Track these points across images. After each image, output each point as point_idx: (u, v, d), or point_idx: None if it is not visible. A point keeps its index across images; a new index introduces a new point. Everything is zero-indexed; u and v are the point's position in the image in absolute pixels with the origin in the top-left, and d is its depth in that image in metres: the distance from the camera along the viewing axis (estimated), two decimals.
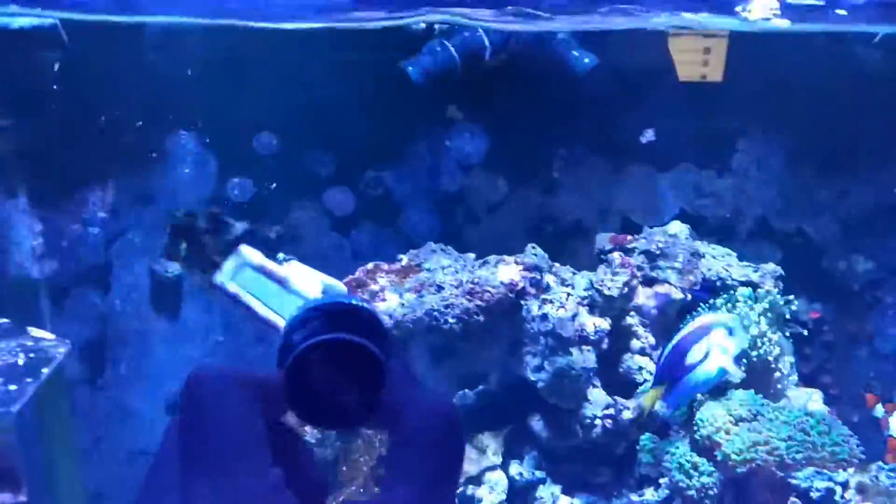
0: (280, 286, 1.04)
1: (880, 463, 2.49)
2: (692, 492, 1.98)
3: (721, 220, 2.85)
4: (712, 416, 1.98)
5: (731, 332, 1.92)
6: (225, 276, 1.04)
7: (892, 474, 2.45)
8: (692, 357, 1.92)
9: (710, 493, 1.98)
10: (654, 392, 2.02)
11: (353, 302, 0.82)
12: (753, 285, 2.40)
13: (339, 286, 1.10)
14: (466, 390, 2.39)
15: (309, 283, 1.05)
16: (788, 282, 2.58)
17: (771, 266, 2.48)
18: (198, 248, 1.06)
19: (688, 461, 2.00)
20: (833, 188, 2.82)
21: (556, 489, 2.30)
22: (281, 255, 1.11)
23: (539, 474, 2.31)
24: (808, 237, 2.85)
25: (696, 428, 2.02)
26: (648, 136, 2.77)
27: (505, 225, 2.87)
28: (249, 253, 1.07)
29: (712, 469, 1.99)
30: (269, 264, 1.07)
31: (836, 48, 2.67)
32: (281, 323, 0.92)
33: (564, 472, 2.32)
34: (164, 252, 1.10)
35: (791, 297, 2.39)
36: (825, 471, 1.99)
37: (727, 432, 1.95)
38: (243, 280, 1.04)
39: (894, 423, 2.16)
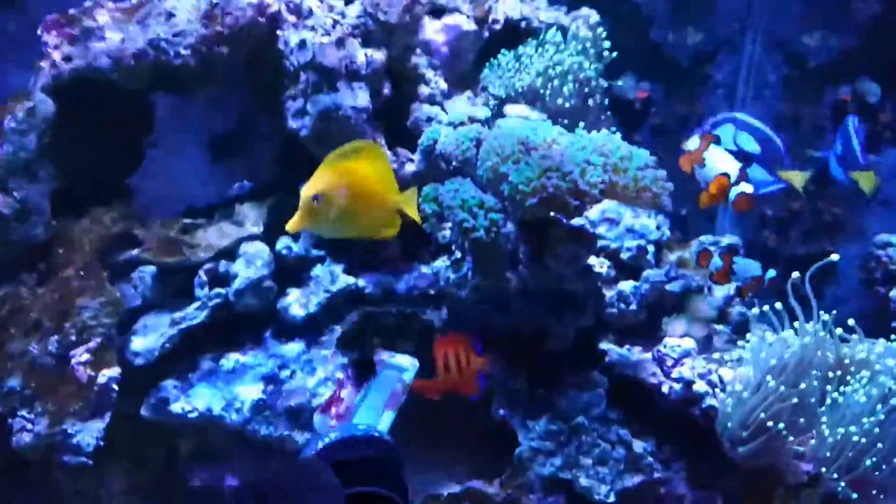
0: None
1: (702, 238, 2.23)
2: (480, 232, 1.59)
3: None
4: (499, 145, 1.59)
5: None
6: None
7: (712, 248, 2.20)
8: None
9: (503, 231, 1.61)
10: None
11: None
12: (564, 29, 2.01)
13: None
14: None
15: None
16: (615, 60, 2.24)
17: (587, 11, 2.09)
18: None
19: (472, 197, 1.60)
20: None
21: (337, 268, 1.88)
22: None
23: (316, 252, 1.89)
24: (636, 6, 2.49)
25: (479, 162, 1.62)
26: None
27: None
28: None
29: (501, 205, 1.61)
30: None
31: None
32: None
33: (345, 246, 1.91)
34: None
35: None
36: (628, 206, 1.65)
37: (515, 161, 1.57)
38: None
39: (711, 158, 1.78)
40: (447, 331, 1.79)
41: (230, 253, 1.78)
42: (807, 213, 2.59)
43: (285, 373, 1.80)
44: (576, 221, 1.75)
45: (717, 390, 1.78)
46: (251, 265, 1.75)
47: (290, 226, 1.34)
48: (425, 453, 1.97)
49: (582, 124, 1.68)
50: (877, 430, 1.54)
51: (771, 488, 1.79)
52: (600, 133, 1.65)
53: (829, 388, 1.62)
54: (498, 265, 1.66)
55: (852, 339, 1.72)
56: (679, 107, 2.57)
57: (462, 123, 1.71)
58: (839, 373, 1.65)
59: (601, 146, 1.60)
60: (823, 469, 1.64)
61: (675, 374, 1.80)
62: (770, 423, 1.61)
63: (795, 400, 1.61)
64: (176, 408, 1.74)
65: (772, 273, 1.77)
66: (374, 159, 1.40)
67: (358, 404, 1.25)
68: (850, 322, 1.73)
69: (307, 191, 1.34)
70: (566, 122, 1.85)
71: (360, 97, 1.70)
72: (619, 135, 1.67)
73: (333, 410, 1.45)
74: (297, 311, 1.82)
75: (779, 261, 2.52)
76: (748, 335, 1.79)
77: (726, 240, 2.19)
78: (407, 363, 1.41)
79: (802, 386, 1.61)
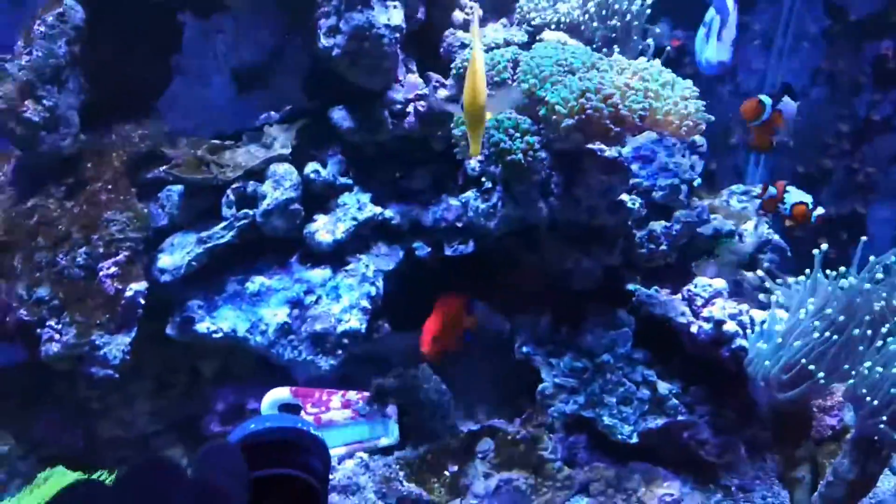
0: None
1: (732, 188, 2.17)
2: (517, 155, 1.53)
3: None
4: (537, 66, 1.52)
5: None
6: None
7: (743, 198, 2.14)
8: None
9: (538, 155, 1.54)
10: None
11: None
12: None
13: None
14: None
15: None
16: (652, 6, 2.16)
17: None
18: None
19: (508, 119, 1.54)
20: None
21: (365, 197, 1.83)
22: None
23: (344, 180, 1.84)
24: None
25: (516, 84, 1.55)
26: None
27: None
28: None
29: (537, 127, 1.54)
30: None
31: None
32: None
33: (374, 176, 1.86)
34: None
35: None
36: (667, 134, 1.58)
37: (554, 83, 1.50)
38: None
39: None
40: (448, 292, 1.76)
41: (258, 174, 1.74)
42: (840, 172, 2.52)
43: (310, 298, 1.76)
44: (609, 154, 1.69)
45: (748, 331, 1.72)
46: (279, 186, 1.70)
47: (475, 151, 1.29)
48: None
49: (618, 50, 1.61)
50: None
51: (799, 438, 1.73)
52: (641, 59, 1.58)
53: (869, 333, 1.51)
54: (530, 193, 1.61)
55: None
56: None
57: (497, 47, 1.64)
58: (886, 321, 1.57)
59: (642, 71, 1.54)
60: (852, 413, 1.57)
61: (704, 314, 1.74)
62: (812, 368, 1.54)
63: (836, 338, 1.53)
64: (201, 328, 1.70)
65: (821, 210, 1.74)
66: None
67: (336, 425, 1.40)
68: None
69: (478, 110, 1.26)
70: (605, 51, 1.77)
71: (394, 16, 1.64)
72: (659, 62, 1.60)
73: (310, 407, 1.53)
74: (324, 237, 1.77)
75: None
76: (789, 278, 1.73)
77: (757, 189, 2.13)
78: (392, 438, 1.66)
79: (855, 332, 1.53)
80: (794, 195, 1.80)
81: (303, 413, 1.44)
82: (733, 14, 1.87)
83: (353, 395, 1.64)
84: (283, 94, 2.02)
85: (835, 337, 1.52)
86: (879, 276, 1.57)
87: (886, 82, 2.39)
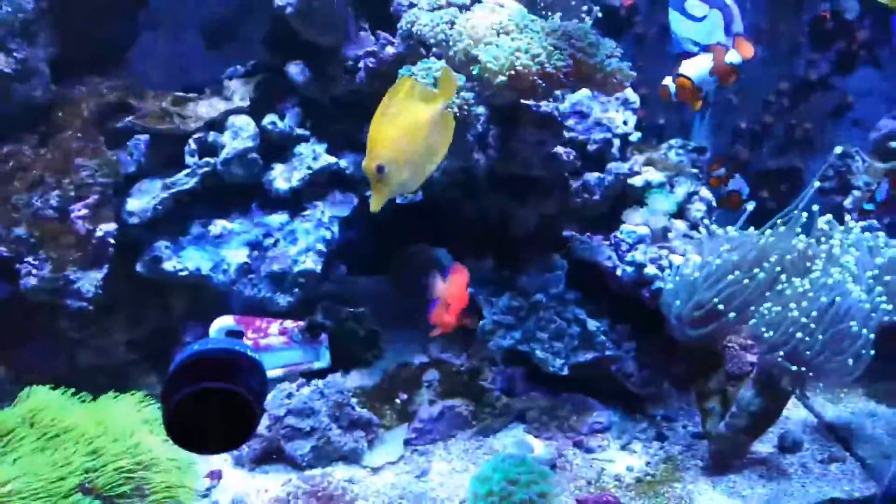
0: None
1: (671, 141, 2.29)
2: (452, 109, 1.65)
3: None
4: (471, 27, 1.64)
5: None
6: None
7: (681, 151, 2.26)
8: None
9: (473, 110, 1.66)
10: None
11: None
12: None
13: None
14: None
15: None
16: None
17: None
18: None
19: None
20: None
21: (320, 147, 1.96)
22: None
23: (301, 131, 1.96)
24: None
25: (451, 43, 1.67)
26: None
27: None
28: None
29: (471, 84, 1.66)
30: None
31: None
32: None
33: (328, 127, 1.98)
34: None
35: None
36: (597, 98, 1.70)
37: (487, 43, 1.62)
38: None
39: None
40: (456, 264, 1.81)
41: (219, 125, 1.86)
42: (780, 128, 2.64)
43: (269, 241, 1.90)
44: (544, 109, 1.81)
45: (666, 274, 1.86)
46: (238, 136, 1.83)
47: (374, 206, 1.29)
48: (403, 334, 2.09)
49: (559, 14, 1.71)
50: (814, 313, 1.55)
51: (710, 372, 1.87)
52: (571, 22, 1.69)
53: (783, 276, 1.62)
54: (467, 146, 1.73)
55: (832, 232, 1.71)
56: (662, 16, 2.57)
57: (440, 8, 1.75)
58: (800, 263, 1.65)
59: (571, 32, 1.65)
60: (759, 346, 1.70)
61: (628, 259, 1.89)
62: (721, 307, 1.65)
63: (746, 282, 1.65)
64: (168, 266, 1.85)
65: (752, 205, 1.88)
66: (408, 90, 1.32)
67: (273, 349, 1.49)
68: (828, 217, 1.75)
69: (368, 163, 1.27)
70: (547, 14, 1.87)
71: None
72: (589, 23, 1.71)
73: (251, 333, 1.68)
74: (281, 184, 1.90)
75: (750, 173, 2.59)
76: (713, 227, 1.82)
77: (694, 143, 2.25)
78: (324, 362, 1.83)
79: (760, 276, 1.62)
80: (737, 183, 1.93)
81: (244, 339, 1.59)
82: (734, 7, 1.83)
83: (289, 323, 1.81)
84: (248, 50, 2.12)
85: (745, 280, 1.66)
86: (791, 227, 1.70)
87: (823, 43, 2.49)
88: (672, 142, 2.25)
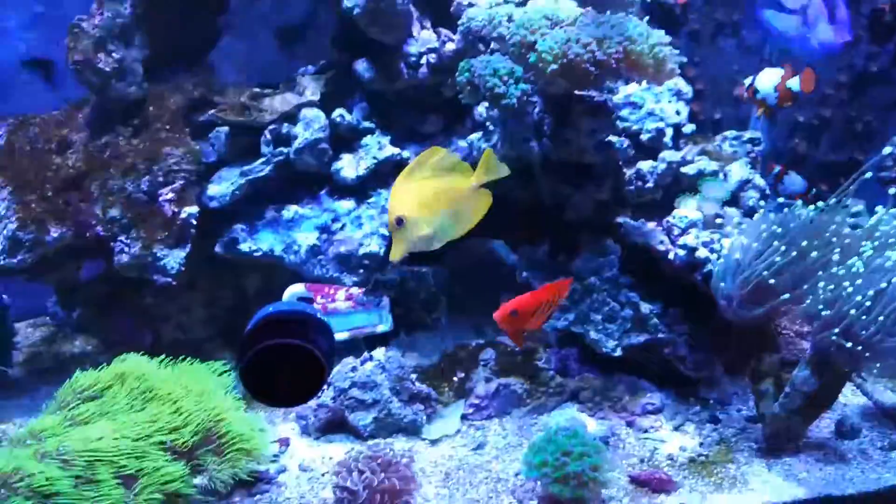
0: None
1: (725, 133, 2.30)
2: (511, 100, 1.73)
3: None
4: (528, 20, 1.72)
5: None
6: None
7: (734, 142, 2.27)
8: None
9: (530, 99, 1.74)
10: None
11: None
12: None
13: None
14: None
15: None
16: None
17: None
18: None
19: (503, 67, 1.74)
20: None
21: (384, 139, 2.07)
22: None
23: (367, 124, 2.07)
24: None
25: (509, 37, 1.75)
26: None
27: None
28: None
29: (528, 75, 1.74)
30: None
31: None
32: None
33: (392, 120, 2.09)
34: None
35: None
36: (645, 79, 1.74)
37: (542, 35, 1.70)
38: None
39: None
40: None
41: (292, 117, 1.99)
42: (839, 121, 2.61)
43: (337, 225, 2.02)
44: (598, 99, 1.86)
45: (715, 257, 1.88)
46: (309, 127, 1.96)
47: (394, 256, 1.36)
48: (459, 317, 2.17)
49: (609, 12, 1.78)
50: (871, 292, 1.53)
51: (767, 354, 1.87)
52: (620, 14, 1.75)
53: (835, 257, 1.61)
54: (524, 134, 1.81)
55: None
56: (718, 13, 2.60)
57: (498, 5, 1.84)
58: (854, 243, 1.62)
59: (620, 23, 1.71)
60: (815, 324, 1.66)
61: (680, 242, 1.92)
62: (772, 281, 1.63)
63: (794, 254, 1.60)
64: (244, 247, 1.98)
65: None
66: (439, 159, 1.39)
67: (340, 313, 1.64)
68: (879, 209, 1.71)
69: (389, 214, 1.36)
70: (598, 9, 1.94)
71: None
72: (636, 18, 1.77)
73: (320, 298, 1.78)
74: (349, 173, 2.02)
75: (808, 167, 2.57)
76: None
77: (748, 135, 2.26)
78: (387, 325, 1.89)
79: (813, 254, 1.60)
80: (791, 181, 1.97)
81: (314, 304, 1.70)
82: None
83: (355, 290, 1.92)
84: (317, 49, 2.26)
85: (793, 253, 1.65)
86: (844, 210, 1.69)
87: (883, 35, 2.47)
88: (727, 133, 2.27)
